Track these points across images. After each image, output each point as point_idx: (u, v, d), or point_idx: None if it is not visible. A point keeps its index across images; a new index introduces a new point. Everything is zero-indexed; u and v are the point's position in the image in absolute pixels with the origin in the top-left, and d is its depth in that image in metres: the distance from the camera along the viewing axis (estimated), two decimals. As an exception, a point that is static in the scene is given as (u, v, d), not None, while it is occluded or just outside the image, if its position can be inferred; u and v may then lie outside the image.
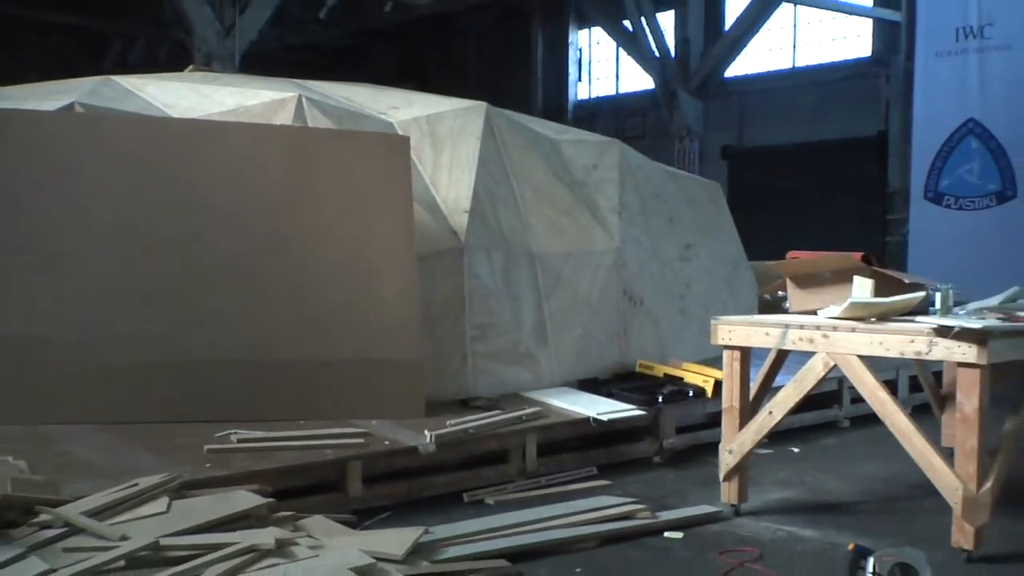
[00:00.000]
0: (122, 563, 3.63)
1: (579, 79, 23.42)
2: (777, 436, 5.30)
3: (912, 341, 4.30)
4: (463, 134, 6.96)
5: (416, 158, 6.55)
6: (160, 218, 5.84)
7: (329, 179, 6.11)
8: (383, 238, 6.07)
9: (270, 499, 4.39)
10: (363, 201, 6.09)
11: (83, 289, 5.68)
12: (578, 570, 4.21)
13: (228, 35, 11.23)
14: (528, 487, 5.52)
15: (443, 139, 6.94)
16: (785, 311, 5.84)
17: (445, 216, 6.59)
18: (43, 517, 3.95)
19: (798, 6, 18.50)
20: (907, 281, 5.25)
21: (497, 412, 5.92)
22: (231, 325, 5.79)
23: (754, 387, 5.16)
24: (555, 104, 22.54)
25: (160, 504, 4.17)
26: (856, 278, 4.75)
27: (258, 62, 11.87)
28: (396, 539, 4.08)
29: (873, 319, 4.62)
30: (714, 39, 17.23)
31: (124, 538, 3.79)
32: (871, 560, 3.74)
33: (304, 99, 6.72)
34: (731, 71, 16.97)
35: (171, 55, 17.83)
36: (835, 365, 4.63)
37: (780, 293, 9.22)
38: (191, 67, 9.88)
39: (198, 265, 5.84)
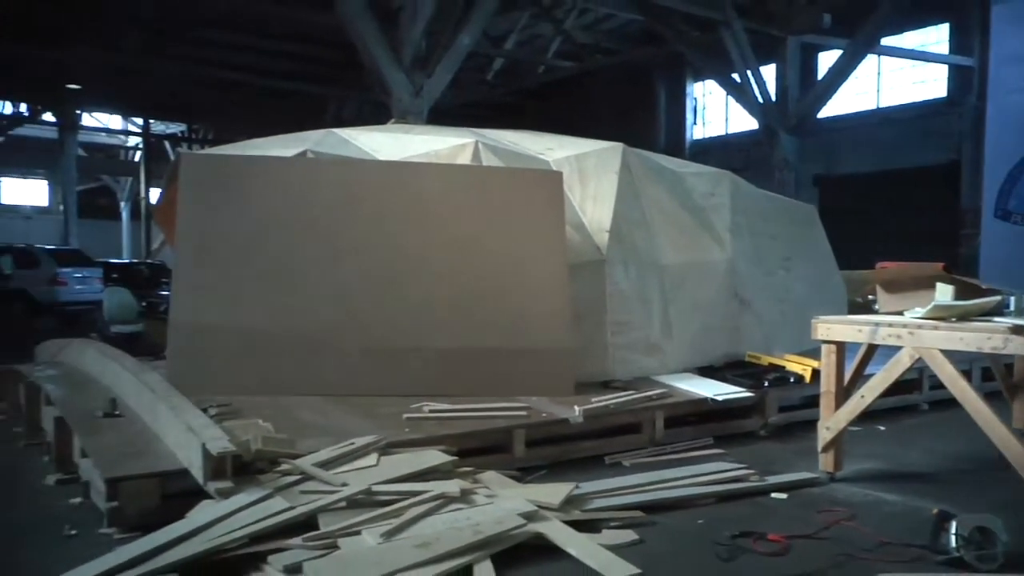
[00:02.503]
0: (344, 504, 3.77)
1: (694, 122, 23.00)
2: (866, 416, 5.06)
3: (990, 338, 4.10)
4: (604, 169, 6.94)
5: (567, 189, 6.56)
6: (372, 237, 6.02)
7: (500, 206, 6.19)
8: (542, 253, 6.10)
9: (454, 457, 4.49)
10: (526, 223, 6.14)
11: (315, 294, 5.90)
12: (700, 521, 4.14)
13: (418, 95, 11.48)
14: (657, 453, 5.46)
15: (588, 173, 6.93)
16: (875, 312, 5.58)
17: (590, 235, 6.57)
18: (284, 467, 4.12)
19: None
20: (984, 287, 4.97)
21: (631, 392, 5.87)
22: (425, 322, 5.93)
23: (848, 375, 4.96)
24: (674, 143, 22.21)
25: (371, 459, 4.31)
26: (939, 284, 4.53)
27: (440, 116, 12.10)
28: (553, 491, 4.12)
29: (953, 319, 4.41)
30: (809, 86, 16.69)
31: (344, 484, 3.93)
32: (953, 523, 3.55)
33: (480, 144, 6.81)
34: (822, 112, 16.39)
35: (374, 112, 18.37)
36: (919, 358, 4.43)
37: (870, 297, 8.83)
38: (392, 120, 10.14)
39: (402, 274, 5.99)
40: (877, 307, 5.37)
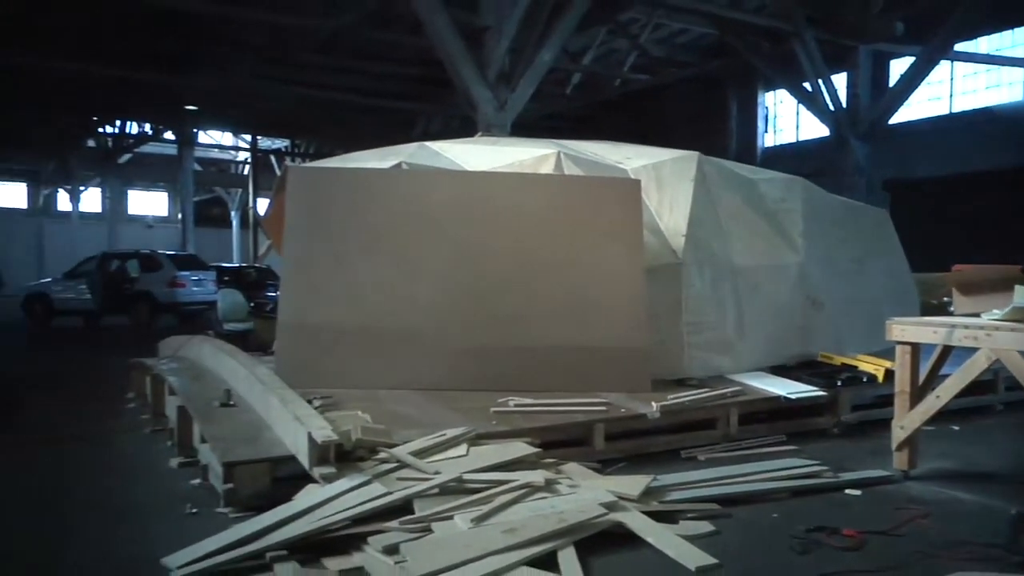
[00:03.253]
0: (437, 490, 3.81)
1: (765, 130, 22.45)
2: (940, 416, 4.85)
3: (1070, 339, 3.85)
4: (680, 176, 6.83)
5: (645, 196, 6.49)
6: (462, 243, 6.06)
7: (582, 212, 6.16)
8: (620, 257, 6.05)
9: (538, 449, 4.49)
10: (606, 229, 6.10)
11: (409, 296, 5.97)
12: (775, 515, 4.04)
13: (502, 109, 11.53)
14: (731, 448, 5.36)
15: (665, 181, 6.84)
16: (950, 314, 5.33)
17: (667, 239, 6.49)
18: (382, 455, 4.19)
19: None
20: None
21: (706, 389, 5.78)
22: (511, 321, 5.94)
23: (922, 375, 4.76)
24: (745, 150, 21.71)
25: (461, 449, 4.35)
26: (1017, 286, 4.28)
27: (522, 128, 12.14)
28: (632, 483, 4.08)
29: (1032, 321, 4.17)
30: (880, 93, 16.09)
31: (437, 473, 3.97)
32: (1034, 523, 3.38)
33: (562, 154, 6.79)
34: (894, 118, 15.77)
35: (460, 126, 18.57)
36: (996, 359, 4.21)
37: (945, 299, 8.45)
38: (479, 133, 10.21)
39: (489, 277, 6.02)
40: (952, 309, 5.12)
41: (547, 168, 6.69)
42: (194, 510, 4.06)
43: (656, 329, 6.11)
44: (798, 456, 5.09)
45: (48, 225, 35.28)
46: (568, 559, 3.26)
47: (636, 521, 3.64)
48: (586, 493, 3.89)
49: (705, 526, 3.77)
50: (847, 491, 4.44)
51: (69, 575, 3.33)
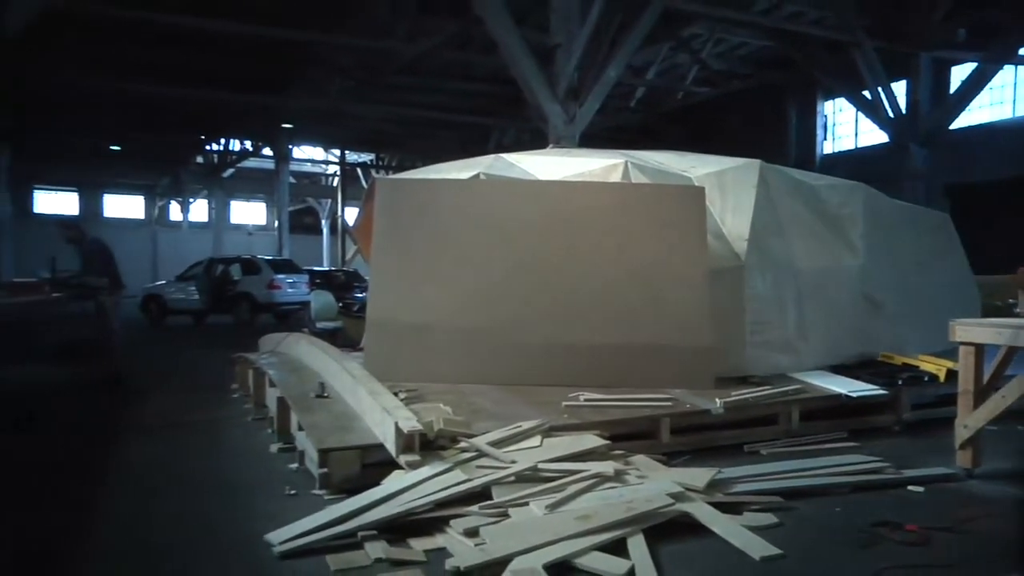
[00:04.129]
0: (513, 478, 3.82)
1: (824, 138, 21.76)
2: (1005, 416, 4.61)
3: None
4: (743, 184, 6.68)
5: (709, 202, 6.37)
6: (535, 247, 6.06)
7: (648, 218, 6.09)
8: (685, 259, 5.96)
9: (608, 441, 4.47)
10: (671, 234, 6.02)
11: (487, 297, 6.00)
12: (837, 509, 3.91)
13: (571, 123, 11.48)
14: (792, 444, 5.21)
15: (728, 188, 6.70)
16: (1016, 315, 5.06)
17: (730, 243, 6.36)
18: (462, 444, 4.22)
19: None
20: None
21: (768, 387, 5.64)
22: (581, 321, 5.91)
23: (986, 376, 4.53)
24: (805, 157, 21.08)
25: (535, 440, 4.35)
26: (1084, 288, 4.05)
27: (589, 139, 12.09)
28: (698, 475, 4.01)
29: (1101, 323, 3.93)
30: (941, 99, 15.40)
31: (513, 462, 3.98)
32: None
33: (629, 163, 6.72)
34: (954, 123, 15.07)
35: (531, 138, 18.57)
36: (1065, 360, 3.98)
37: (1010, 301, 8.04)
38: (551, 145, 10.21)
39: (561, 279, 6.00)
40: (1019, 310, 4.87)
41: (615, 177, 6.64)
42: (292, 491, 4.16)
43: (719, 328, 5.99)
44: (859, 453, 4.92)
45: (161, 233, 36.83)
46: (637, 545, 3.23)
47: (702, 511, 3.59)
48: (654, 484, 3.84)
49: (769, 518, 3.68)
50: (910, 488, 4.27)
51: (186, 547, 3.46)
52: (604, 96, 12.01)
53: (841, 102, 20.59)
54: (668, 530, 3.45)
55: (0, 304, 5.63)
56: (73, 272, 8.10)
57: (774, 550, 3.25)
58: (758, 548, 3.27)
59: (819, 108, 21.67)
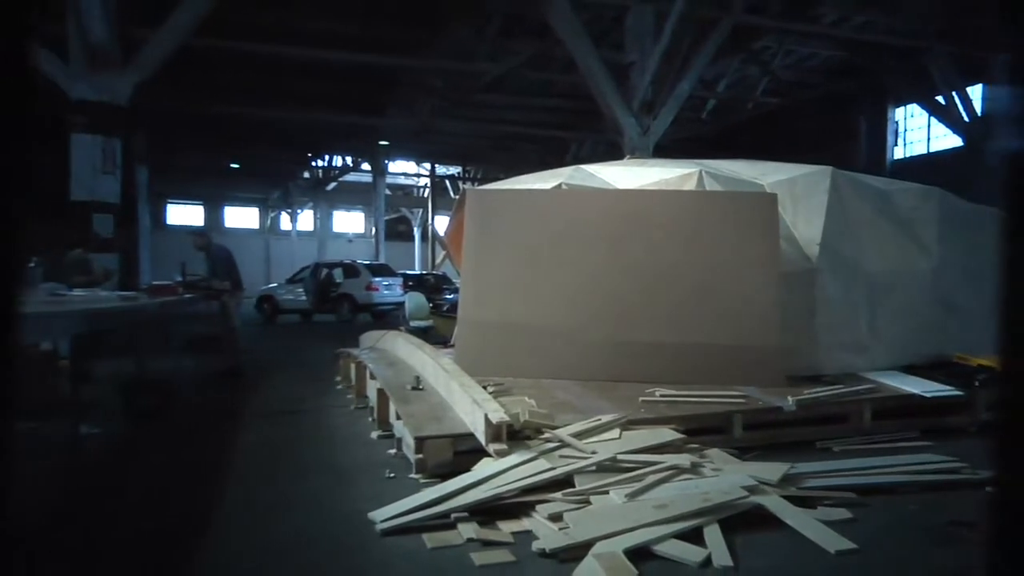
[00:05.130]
0: (594, 468, 3.79)
1: (895, 144, 20.72)
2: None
3: None
4: (815, 190, 6.44)
5: (781, 208, 6.17)
6: (615, 251, 5.99)
7: (722, 223, 5.95)
8: (757, 263, 5.79)
9: (683, 435, 4.39)
10: (744, 238, 5.86)
11: (568, 298, 5.98)
12: (912, 507, 3.71)
13: (645, 135, 11.39)
14: (865, 442, 4.98)
15: (800, 194, 6.48)
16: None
17: (801, 247, 6.14)
18: (546, 435, 4.20)
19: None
20: None
21: (840, 386, 5.42)
22: (656, 320, 5.82)
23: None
24: (875, 163, 20.12)
25: (614, 433, 4.31)
26: None
27: (662, 150, 11.92)
28: (771, 469, 3.89)
29: None
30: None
31: (594, 452, 3.95)
32: None
33: (703, 172, 6.59)
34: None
35: (606, 150, 18.45)
36: None
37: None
38: (627, 156, 10.12)
39: (638, 281, 5.93)
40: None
41: (690, 185, 6.51)
42: (391, 475, 4.25)
43: (791, 329, 5.79)
44: (933, 453, 4.66)
45: (273, 241, 38.34)
46: (713, 534, 3.17)
47: (776, 504, 3.48)
48: (729, 476, 3.75)
49: (842, 513, 3.52)
50: (987, 488, 4.01)
51: (297, 523, 3.57)
52: (677, 109, 11.85)
53: (913, 107, 19.57)
54: (742, 522, 3.35)
55: (142, 304, 5.98)
56: (200, 275, 8.52)
57: (849, 544, 3.12)
58: (832, 542, 3.14)
59: (890, 114, 20.64)
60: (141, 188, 19.58)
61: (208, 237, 8.84)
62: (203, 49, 12.39)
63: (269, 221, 39.68)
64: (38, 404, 5.67)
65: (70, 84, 8.75)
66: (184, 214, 36.94)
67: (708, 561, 2.96)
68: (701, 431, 4.68)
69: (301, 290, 19.02)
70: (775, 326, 5.66)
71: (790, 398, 4.98)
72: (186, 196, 36.24)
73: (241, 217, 39.27)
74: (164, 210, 35.81)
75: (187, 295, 7.67)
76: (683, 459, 3.88)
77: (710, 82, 18.45)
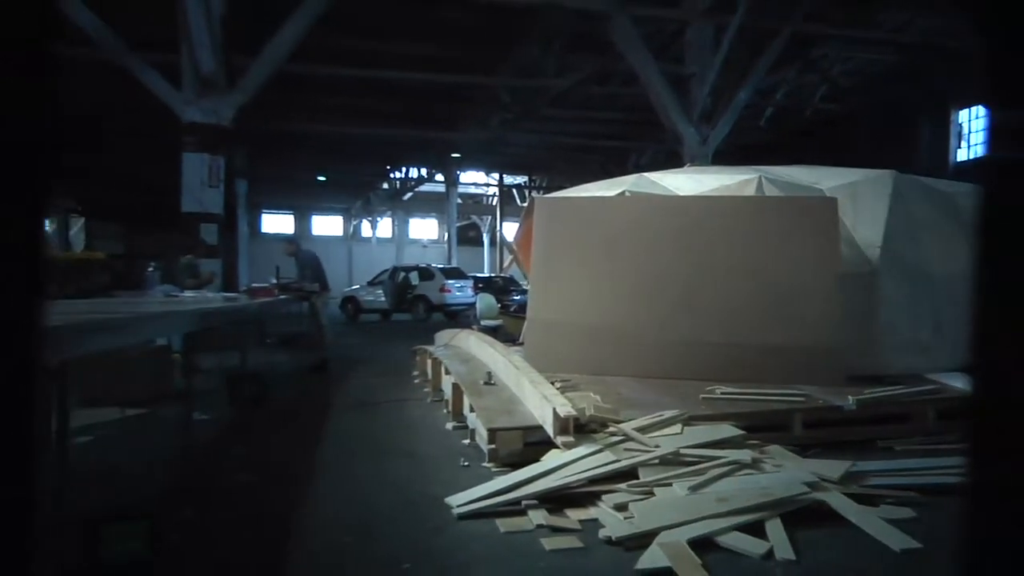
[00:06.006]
0: (657, 461, 3.73)
1: (959, 146, 19.60)
2: None
3: None
4: (876, 193, 6.18)
5: (841, 212, 5.95)
6: (677, 254, 5.90)
7: (782, 227, 5.78)
8: (817, 265, 5.60)
9: (743, 431, 4.28)
10: (804, 241, 5.68)
11: (632, 297, 5.90)
12: (978, 508, 3.50)
13: (704, 143, 11.17)
14: (927, 442, 4.72)
15: (861, 198, 6.22)
16: None
17: (862, 250, 5.91)
18: (611, 429, 4.15)
19: None
20: None
21: (901, 386, 5.17)
22: (717, 320, 5.70)
23: None
24: (936, 166, 19.09)
25: (676, 428, 4.23)
26: None
27: (720, 157, 11.66)
28: (832, 466, 3.75)
29: None
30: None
31: (657, 446, 3.89)
32: None
33: (762, 178, 6.42)
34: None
35: (665, 159, 18.15)
36: None
37: None
38: (687, 164, 9.94)
39: (699, 282, 5.82)
40: None
41: (749, 191, 6.33)
42: (465, 463, 4.29)
43: (852, 329, 5.57)
44: (1000, 454, 4.38)
45: (355, 247, 39.29)
46: (775, 528, 3.07)
47: (838, 501, 3.34)
48: (790, 472, 3.63)
49: (906, 511, 3.35)
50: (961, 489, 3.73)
51: (383, 503, 3.65)
52: (735, 118, 11.56)
53: (977, 109, 18.48)
54: (803, 517, 3.23)
55: (243, 304, 6.24)
56: (292, 278, 8.83)
57: (913, 543, 2.97)
58: (897, 540, 3.00)
59: (953, 116, 19.56)
60: (240, 199, 20.43)
61: (297, 244, 9.16)
62: (295, 74, 12.85)
63: (352, 228, 40.71)
64: (157, 392, 6.00)
65: (183, 109, 9.23)
66: (277, 222, 38.29)
67: (770, 554, 2.87)
68: (761, 428, 4.55)
69: (381, 292, 19.45)
70: (835, 326, 5.45)
71: (850, 397, 4.79)
72: (278, 206, 37.57)
73: (327, 224, 40.43)
74: (259, 219, 37.18)
75: (281, 296, 7.96)
76: (744, 454, 3.78)
77: (768, 91, 17.92)
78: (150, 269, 7.05)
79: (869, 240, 5.92)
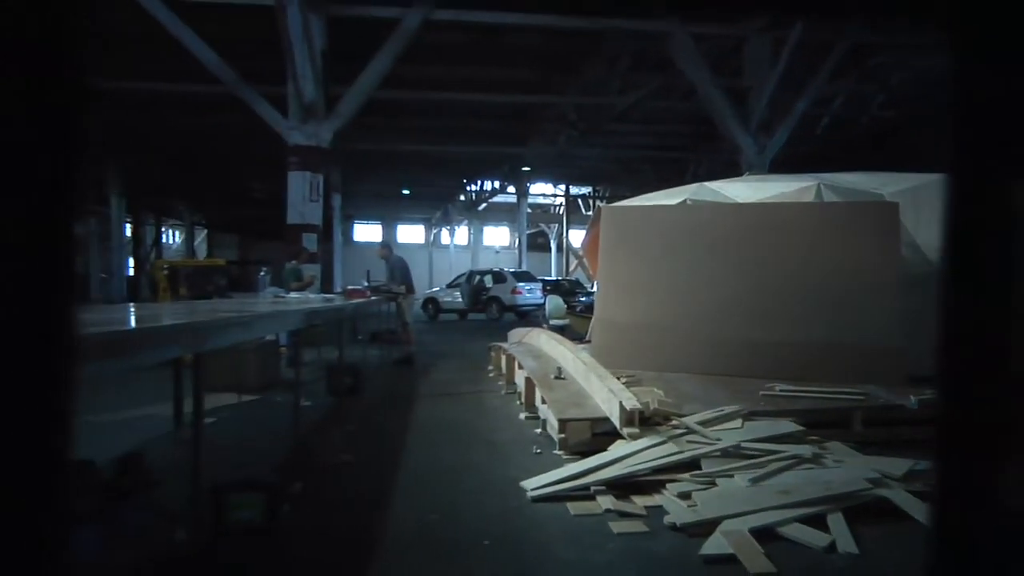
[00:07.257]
0: (719, 453, 3.65)
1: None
2: None
3: None
4: (939, 197, 5.80)
5: (902, 216, 5.62)
6: (738, 257, 5.74)
7: (841, 231, 5.52)
8: (877, 267, 5.32)
9: (803, 427, 4.11)
10: (864, 244, 5.40)
11: (694, 298, 5.77)
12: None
13: (762, 153, 10.80)
14: (994, 442, 4.40)
15: (922, 202, 5.83)
16: None
17: (924, 253, 5.56)
18: (673, 422, 4.09)
19: None
20: None
21: (965, 387, 4.82)
22: (777, 320, 5.50)
23: None
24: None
25: (737, 423, 4.12)
26: None
27: (777, 165, 11.23)
28: (895, 463, 3.55)
29: None
30: None
31: (718, 439, 3.80)
32: None
33: (821, 185, 6.15)
34: None
35: (723, 168, 17.63)
36: None
37: None
38: (746, 172, 9.64)
39: (760, 284, 5.64)
40: None
41: (808, 197, 6.06)
42: (538, 451, 4.31)
43: (915, 330, 5.23)
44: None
45: (435, 253, 40.01)
46: (837, 522, 2.94)
47: (902, 498, 3.15)
48: (851, 468, 3.46)
49: (971, 510, 3.14)
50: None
51: (467, 485, 3.70)
52: (793, 127, 11.12)
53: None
54: (864, 513, 3.07)
55: (340, 304, 6.47)
56: (382, 281, 9.08)
57: (979, 541, 2.77)
58: (962, 537, 2.81)
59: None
60: (335, 211, 21.17)
61: (390, 248, 9.42)
62: (383, 99, 13.23)
63: (432, 236, 41.52)
64: (267, 382, 6.29)
65: (288, 133, 9.67)
66: (366, 232, 39.48)
67: (833, 547, 2.75)
68: (820, 425, 4.34)
69: (458, 293, 19.76)
70: (896, 327, 5.15)
71: (912, 397, 4.51)
72: (368, 217, 38.73)
73: (410, 233, 41.39)
74: (352, 228, 38.44)
75: (372, 297, 8.20)
76: (804, 449, 3.63)
77: (825, 100, 17.12)
78: (262, 273, 7.42)
79: (931, 243, 5.56)
